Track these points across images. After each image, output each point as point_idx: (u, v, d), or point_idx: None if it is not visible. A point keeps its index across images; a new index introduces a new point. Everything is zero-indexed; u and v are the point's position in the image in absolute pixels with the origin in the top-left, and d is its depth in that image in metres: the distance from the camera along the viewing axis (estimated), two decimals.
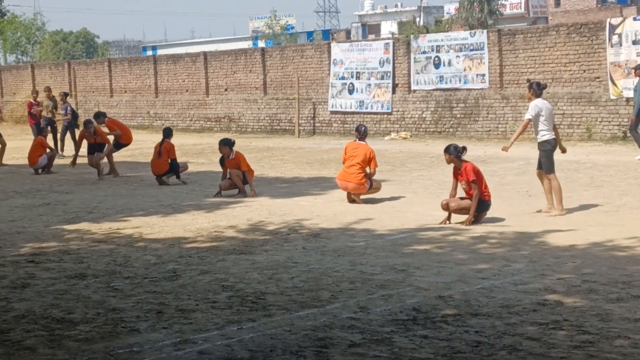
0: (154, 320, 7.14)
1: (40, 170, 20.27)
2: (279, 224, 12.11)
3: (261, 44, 68.40)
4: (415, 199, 14.27)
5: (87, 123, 19.51)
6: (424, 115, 27.41)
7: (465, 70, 26.25)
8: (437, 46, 27.04)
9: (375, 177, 14.39)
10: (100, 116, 20.29)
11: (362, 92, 28.96)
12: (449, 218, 11.85)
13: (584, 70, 23.82)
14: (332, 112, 29.97)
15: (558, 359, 5.93)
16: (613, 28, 23.15)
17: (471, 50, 26.09)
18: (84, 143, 19.81)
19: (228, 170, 15.46)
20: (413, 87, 27.68)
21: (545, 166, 12.50)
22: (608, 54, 23.17)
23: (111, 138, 19.68)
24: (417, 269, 8.88)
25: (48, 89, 26.21)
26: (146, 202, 14.76)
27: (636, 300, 7.40)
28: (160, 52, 75.59)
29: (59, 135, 24.86)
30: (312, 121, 30.60)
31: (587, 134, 23.55)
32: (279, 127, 31.66)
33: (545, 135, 12.42)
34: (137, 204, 14.65)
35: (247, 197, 15.03)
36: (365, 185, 14.09)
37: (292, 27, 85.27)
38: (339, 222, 12.22)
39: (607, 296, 7.54)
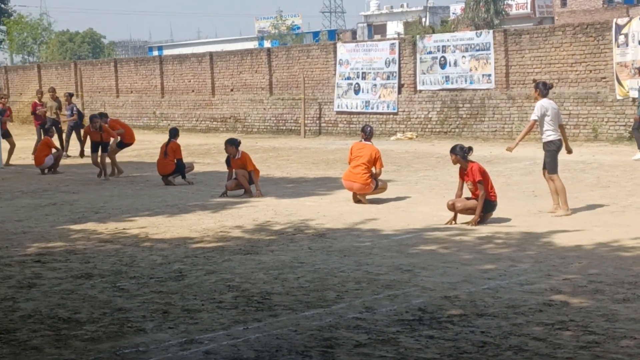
0: (160, 320, 7.15)
1: (46, 170, 20.31)
2: (284, 224, 12.12)
3: (267, 44, 68.44)
4: (421, 199, 14.27)
5: (93, 118, 19.42)
6: (429, 116, 27.39)
7: (471, 70, 26.23)
8: (443, 46, 27.03)
9: (381, 178, 14.38)
10: (102, 117, 20.29)
11: (368, 92, 28.95)
12: (454, 218, 11.85)
13: (590, 71, 23.79)
14: (338, 113, 29.96)
15: None
16: (619, 28, 23.12)
17: (477, 50, 26.07)
18: (87, 142, 19.79)
19: (234, 170, 15.48)
20: (419, 87, 27.67)
21: (549, 166, 12.48)
22: (614, 54, 23.13)
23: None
24: (423, 269, 8.87)
25: (52, 90, 26.21)
26: (152, 202, 14.78)
27: None
28: (166, 52, 75.66)
29: (64, 136, 24.86)
30: (317, 121, 30.60)
31: (594, 134, 23.52)
32: (284, 127, 31.67)
33: (550, 135, 12.40)
34: (143, 204, 14.67)
35: (253, 197, 15.03)
36: (370, 186, 14.08)
37: (298, 28, 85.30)
38: (344, 222, 12.21)
39: (613, 297, 7.52)
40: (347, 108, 29.63)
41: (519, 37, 25.39)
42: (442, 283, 8.23)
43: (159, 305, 7.64)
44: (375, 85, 28.73)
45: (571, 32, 24.29)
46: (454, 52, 26.64)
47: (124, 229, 12.11)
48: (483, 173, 11.84)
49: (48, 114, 24.93)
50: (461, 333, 6.56)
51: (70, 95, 25.97)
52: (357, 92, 29.28)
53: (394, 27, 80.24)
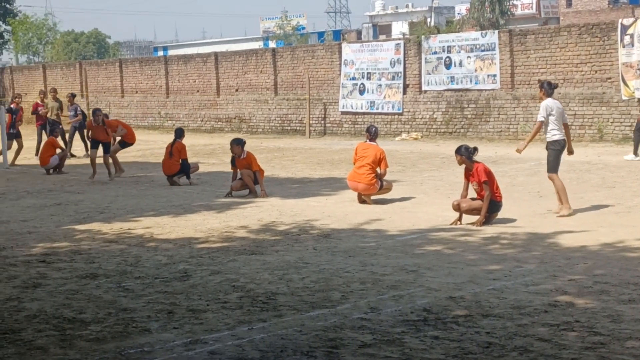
0: (165, 320, 7.16)
1: (51, 171, 20.34)
2: (289, 225, 12.12)
3: (272, 44, 68.48)
4: (426, 200, 14.26)
5: (96, 111, 19.30)
6: (434, 116, 27.38)
7: (476, 70, 26.21)
8: (448, 46, 27.02)
9: (386, 178, 14.38)
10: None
11: (372, 92, 28.95)
12: (460, 219, 11.84)
13: (596, 71, 23.76)
14: (343, 113, 29.96)
15: None
16: (625, 28, 23.08)
17: (482, 50, 26.05)
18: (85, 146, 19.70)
19: (239, 170, 15.48)
20: (424, 87, 27.65)
21: (550, 165, 12.46)
22: (620, 54, 23.10)
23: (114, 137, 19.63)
24: (428, 270, 8.87)
25: (54, 90, 26.19)
26: (157, 203, 14.79)
27: None
28: (171, 52, 75.79)
29: (67, 136, 24.82)
30: (322, 122, 30.60)
31: (599, 134, 23.49)
32: (289, 128, 31.68)
33: (556, 135, 12.39)
34: (148, 204, 14.68)
35: (257, 197, 15.04)
36: (375, 186, 14.08)
37: (303, 28, 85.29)
38: (349, 222, 12.21)
39: (619, 297, 7.51)
40: (352, 108, 29.62)
41: (524, 38, 25.37)
42: (447, 284, 8.22)
43: (164, 306, 7.64)
44: (380, 85, 28.72)
45: (576, 32, 24.26)
46: (459, 52, 26.62)
47: (128, 229, 12.12)
48: (488, 173, 11.83)
49: (49, 115, 24.82)
50: (466, 334, 6.55)
51: (73, 95, 25.89)
52: (362, 92, 29.27)
53: (399, 28, 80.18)
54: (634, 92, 22.58)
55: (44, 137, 24.21)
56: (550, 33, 25.01)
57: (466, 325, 6.78)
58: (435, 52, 27.30)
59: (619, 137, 22.98)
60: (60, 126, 24.44)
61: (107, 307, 7.68)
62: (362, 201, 14.13)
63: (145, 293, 8.16)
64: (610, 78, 23.46)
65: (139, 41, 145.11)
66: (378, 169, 14.17)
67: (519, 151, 12.72)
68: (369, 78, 29.05)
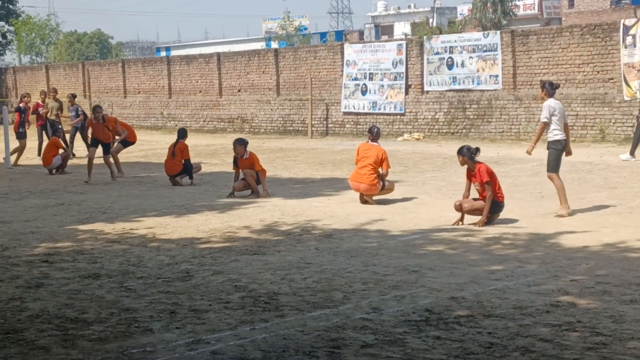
0: (167, 320, 7.17)
1: (54, 171, 20.36)
2: (291, 225, 12.12)
3: (274, 45, 68.50)
4: (428, 200, 14.26)
5: (96, 108, 19.17)
6: (437, 116, 27.38)
7: (478, 71, 26.22)
8: (450, 47, 27.02)
9: (388, 178, 14.38)
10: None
11: (375, 93, 28.96)
12: (462, 219, 11.84)
13: (598, 72, 23.76)
14: (345, 113, 29.97)
15: None
16: (627, 29, 23.08)
17: (484, 51, 26.06)
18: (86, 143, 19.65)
19: (242, 170, 15.49)
20: (426, 88, 27.66)
21: (551, 165, 12.47)
22: (622, 55, 23.10)
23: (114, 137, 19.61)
24: (430, 270, 8.87)
25: (54, 91, 26.17)
26: (159, 203, 14.80)
27: None
28: (173, 53, 75.80)
29: (67, 137, 24.79)
30: (325, 122, 30.61)
31: (601, 135, 23.49)
32: (291, 128, 31.69)
33: (557, 135, 12.41)
34: (150, 204, 14.69)
35: (260, 197, 15.05)
36: (377, 186, 14.08)
37: (306, 28, 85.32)
38: (351, 222, 12.22)
39: (621, 298, 7.51)
40: (354, 109, 29.63)
41: (527, 38, 25.38)
42: (449, 284, 8.22)
43: (166, 306, 7.65)
44: (382, 86, 28.73)
45: (579, 33, 24.26)
46: (461, 52, 26.62)
47: (131, 229, 12.13)
48: (490, 174, 11.83)
49: (48, 115, 24.78)
50: (468, 334, 6.56)
51: (74, 96, 25.85)
52: (364, 92, 29.28)
53: (401, 28, 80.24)
54: (636, 93, 22.59)
55: (44, 138, 24.26)
56: (553, 33, 25.01)
57: (468, 325, 6.79)
58: (437, 53, 27.31)
59: (621, 137, 22.97)
60: (59, 126, 24.35)
61: (109, 307, 7.69)
62: (364, 201, 14.14)
63: (147, 293, 8.17)
64: (612, 79, 23.46)
65: (142, 42, 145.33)
66: (380, 170, 14.18)
67: (529, 153, 12.76)
68: (371, 78, 29.06)
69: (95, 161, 18.64)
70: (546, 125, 12.44)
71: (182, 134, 17.81)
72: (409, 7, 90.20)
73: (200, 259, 9.78)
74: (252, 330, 6.82)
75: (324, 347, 6.34)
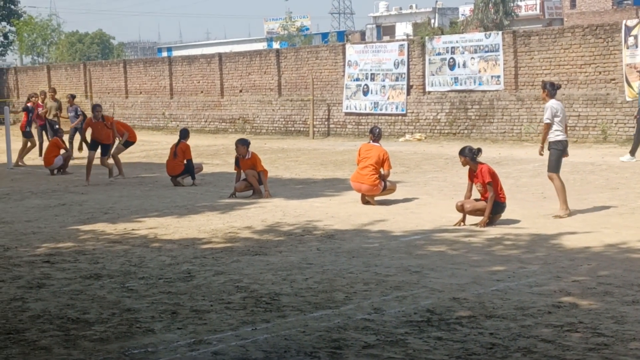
0: (168, 321, 7.17)
1: (55, 171, 20.36)
2: (293, 225, 12.12)
3: (276, 45, 68.46)
4: (429, 201, 14.26)
5: (96, 107, 19.06)
6: (438, 117, 27.38)
7: (480, 71, 26.21)
8: (452, 48, 27.02)
9: (390, 179, 14.38)
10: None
11: (376, 93, 28.95)
12: (463, 220, 11.83)
13: (600, 72, 23.75)
14: (347, 114, 29.98)
15: None
16: (629, 30, 23.07)
17: (486, 51, 26.05)
18: (86, 144, 19.58)
19: (243, 170, 15.48)
20: (428, 88, 27.66)
21: (551, 165, 12.46)
22: (624, 55, 23.09)
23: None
24: (432, 271, 8.87)
25: (53, 91, 26.14)
26: (161, 203, 14.80)
27: None
28: (175, 53, 75.79)
29: (67, 137, 24.76)
30: (326, 122, 30.61)
31: (603, 135, 23.48)
32: (293, 129, 31.69)
33: (559, 135, 12.41)
34: (152, 204, 14.69)
35: (261, 197, 15.05)
36: (379, 187, 14.08)
37: (307, 29, 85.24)
38: (353, 223, 12.22)
39: (622, 298, 7.51)
40: (356, 109, 29.63)
41: (528, 39, 25.37)
42: (451, 284, 8.22)
43: (167, 306, 7.65)
44: (384, 86, 28.72)
45: (580, 33, 24.25)
46: (463, 53, 26.62)
47: (132, 229, 12.13)
48: (492, 174, 11.82)
49: (47, 115, 24.75)
50: (470, 335, 6.55)
51: (73, 96, 25.82)
52: (365, 93, 29.28)
53: (403, 29, 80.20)
54: (638, 94, 22.55)
55: (44, 138, 24.27)
56: (554, 34, 25.00)
57: (470, 326, 6.79)
58: (439, 53, 27.30)
59: (623, 138, 22.95)
60: (56, 126, 24.27)
61: (111, 307, 7.69)
62: (365, 202, 14.14)
63: (149, 293, 8.17)
64: (614, 79, 23.45)
65: (143, 42, 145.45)
66: (381, 170, 14.18)
67: (540, 154, 12.77)
68: (372, 79, 29.06)
69: (95, 162, 18.62)
70: (549, 127, 12.44)
71: (184, 134, 17.79)
72: (411, 7, 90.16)
73: (201, 260, 9.78)
74: (254, 330, 6.82)
75: (326, 347, 6.33)
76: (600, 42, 23.72)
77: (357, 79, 29.53)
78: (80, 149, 23.86)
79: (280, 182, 17.46)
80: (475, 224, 11.64)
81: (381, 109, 28.86)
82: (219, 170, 20.20)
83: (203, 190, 16.48)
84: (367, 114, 29.26)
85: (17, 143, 23.76)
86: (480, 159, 12.05)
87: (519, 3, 62.70)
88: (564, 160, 12.66)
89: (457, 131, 26.84)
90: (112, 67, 40.37)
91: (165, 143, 26.85)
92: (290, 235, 11.33)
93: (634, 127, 22.44)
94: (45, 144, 23.15)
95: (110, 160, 18.97)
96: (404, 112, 28.18)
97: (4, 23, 58.78)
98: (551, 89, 12.50)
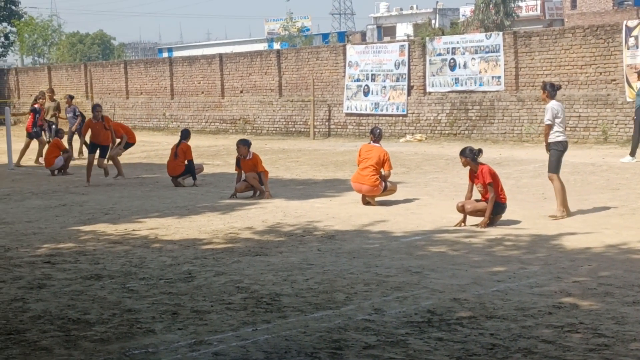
0: (169, 321, 7.17)
1: (56, 172, 20.36)
2: (294, 226, 12.12)
3: (277, 46, 68.48)
4: (430, 201, 14.26)
5: (96, 107, 19.00)
6: (439, 118, 27.38)
7: (480, 72, 26.21)
8: (453, 48, 27.02)
9: (390, 179, 14.38)
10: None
11: (377, 94, 28.96)
12: (464, 220, 11.83)
13: (600, 73, 23.74)
14: (347, 114, 29.98)
15: None
16: (629, 30, 23.07)
17: (487, 52, 26.05)
18: (86, 146, 19.53)
19: (244, 171, 15.48)
20: (428, 89, 27.66)
21: (552, 165, 12.47)
22: (624, 56, 23.09)
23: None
24: (432, 271, 8.87)
25: (51, 91, 26.10)
26: (162, 204, 14.80)
27: None
28: (176, 54, 75.78)
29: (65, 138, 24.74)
30: (327, 123, 30.61)
31: (603, 136, 23.48)
32: (294, 129, 31.70)
33: (559, 136, 12.41)
34: (152, 205, 14.69)
35: (263, 198, 15.05)
36: (379, 187, 14.08)
37: (308, 29, 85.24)
38: (353, 224, 12.22)
39: (623, 299, 7.51)
40: (357, 110, 29.64)
41: (529, 39, 25.37)
42: (451, 285, 8.22)
43: (168, 307, 7.65)
44: (384, 87, 28.73)
45: (581, 34, 24.25)
46: (464, 54, 26.62)
47: (133, 230, 12.13)
48: (493, 175, 11.83)
49: (46, 116, 24.72)
50: (470, 335, 6.55)
51: (71, 97, 25.81)
52: (366, 94, 29.28)
53: (404, 29, 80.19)
54: (636, 94, 22.54)
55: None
56: (555, 35, 25.00)
57: (470, 326, 6.79)
58: (439, 54, 27.31)
59: (624, 139, 22.95)
60: (53, 126, 24.25)
61: (111, 308, 7.69)
62: (366, 202, 14.14)
63: (149, 294, 8.17)
64: (614, 80, 23.45)
65: (144, 42, 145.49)
66: (382, 171, 14.17)
67: (547, 152, 12.75)
68: (373, 80, 29.06)
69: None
70: (550, 128, 12.43)
71: (185, 134, 17.79)
72: (412, 8, 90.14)
73: (202, 260, 9.78)
74: (254, 331, 6.82)
75: (326, 348, 6.34)
76: (601, 42, 23.73)
77: (358, 80, 29.53)
78: (80, 152, 23.89)
79: (281, 182, 17.46)
80: (476, 225, 11.64)
81: (382, 110, 28.86)
82: (220, 170, 20.20)
83: (204, 191, 16.48)
84: (368, 115, 29.27)
85: (18, 144, 23.75)
86: (481, 159, 12.05)
87: (520, 4, 62.62)
88: (565, 160, 12.66)
89: (458, 132, 26.84)
90: (113, 67, 40.38)
91: (166, 144, 26.86)
92: (291, 236, 11.33)
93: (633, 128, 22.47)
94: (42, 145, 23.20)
95: (106, 162, 18.91)
96: (405, 112, 28.18)
97: (4, 24, 58.77)
98: (551, 90, 12.50)
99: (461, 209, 11.88)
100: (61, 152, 20.71)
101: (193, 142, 18.81)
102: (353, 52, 29.93)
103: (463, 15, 74.53)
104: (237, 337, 6.66)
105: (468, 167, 12.10)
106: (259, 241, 11.02)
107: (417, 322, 6.94)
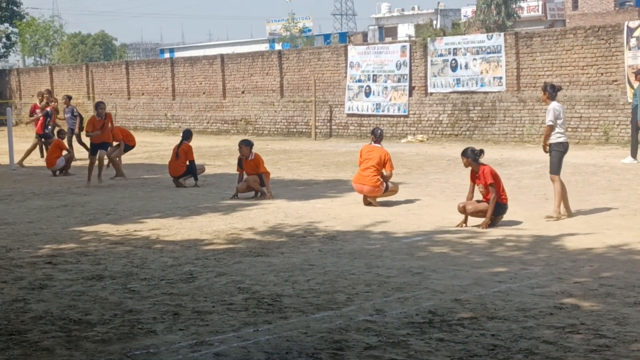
0: (170, 322, 7.17)
1: (57, 172, 20.38)
2: (295, 226, 12.13)
3: (278, 46, 68.49)
4: (431, 202, 14.26)
5: (100, 104, 18.99)
6: (440, 118, 27.37)
7: (482, 73, 26.20)
8: (454, 49, 27.01)
9: (392, 180, 14.37)
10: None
11: (378, 94, 28.95)
12: (465, 221, 11.83)
13: (602, 74, 23.73)
14: (349, 115, 29.97)
15: None
16: (631, 31, 23.06)
17: (488, 53, 26.04)
18: (86, 148, 19.49)
19: (246, 172, 15.49)
20: (430, 89, 27.65)
21: (553, 167, 12.46)
22: (626, 57, 23.08)
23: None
24: (433, 272, 8.87)
25: (48, 92, 26.11)
26: (163, 204, 14.81)
27: None
28: (177, 54, 75.82)
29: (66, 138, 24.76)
30: (328, 124, 30.61)
31: (605, 137, 23.47)
32: (295, 130, 31.69)
33: (560, 137, 12.41)
34: (154, 205, 14.70)
35: (264, 198, 15.05)
36: (380, 188, 14.08)
37: (309, 30, 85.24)
38: (355, 224, 12.22)
39: (624, 300, 7.51)
40: (358, 110, 29.63)
41: (530, 40, 25.36)
42: (453, 286, 8.22)
43: (169, 307, 7.66)
44: (386, 87, 28.72)
45: (582, 34, 24.24)
46: (465, 54, 26.61)
47: (134, 230, 12.14)
48: (495, 176, 11.82)
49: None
50: (471, 336, 6.55)
51: (69, 98, 25.83)
52: (367, 94, 29.28)
53: (405, 30, 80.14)
54: (634, 95, 22.53)
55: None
56: (556, 35, 24.99)
57: (471, 327, 6.79)
58: (441, 55, 27.30)
59: (625, 139, 22.92)
60: (50, 126, 24.25)
61: (112, 308, 7.69)
62: (367, 203, 14.14)
63: (151, 295, 8.18)
64: (616, 80, 23.43)
65: (146, 43, 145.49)
66: (383, 171, 14.17)
67: (545, 152, 12.71)
68: (374, 80, 29.06)
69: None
70: (552, 129, 12.43)
71: (187, 135, 17.79)
72: (413, 9, 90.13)
73: (203, 261, 9.79)
74: (256, 332, 6.82)
75: (327, 349, 6.34)
76: (602, 43, 23.72)
77: (359, 80, 29.53)
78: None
79: (283, 183, 17.46)
80: (477, 226, 11.64)
81: (383, 110, 28.86)
82: (221, 171, 20.21)
83: (205, 192, 16.49)
84: (369, 115, 29.27)
85: (19, 144, 23.77)
86: (482, 160, 12.05)
87: (521, 4, 62.69)
88: (566, 161, 12.65)
89: (459, 132, 26.84)
90: (115, 68, 40.39)
91: (168, 144, 26.87)
92: (292, 237, 11.33)
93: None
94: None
95: (105, 160, 18.92)
96: (406, 113, 28.18)
97: (6, 24, 58.82)
98: (552, 91, 12.49)
99: (462, 210, 11.88)
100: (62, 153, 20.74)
101: (194, 142, 18.82)
102: (354, 52, 29.93)
103: (464, 16, 74.55)
104: (239, 338, 6.66)
105: (469, 168, 12.10)
106: (260, 242, 11.03)
107: (418, 323, 6.94)
